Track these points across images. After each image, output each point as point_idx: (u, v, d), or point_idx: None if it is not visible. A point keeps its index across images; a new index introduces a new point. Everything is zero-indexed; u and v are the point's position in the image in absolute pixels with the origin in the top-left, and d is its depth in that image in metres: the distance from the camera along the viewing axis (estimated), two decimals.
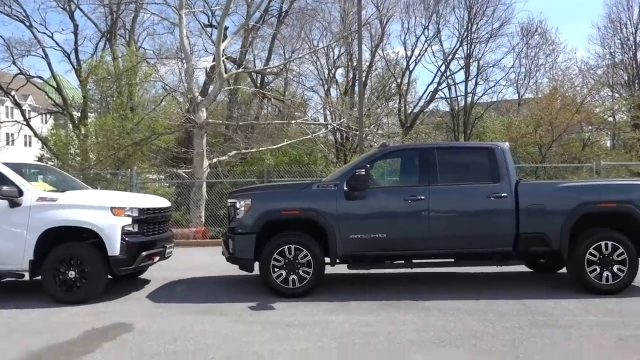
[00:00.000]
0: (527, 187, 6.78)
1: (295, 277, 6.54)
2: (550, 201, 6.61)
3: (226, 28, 23.77)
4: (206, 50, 26.33)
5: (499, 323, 5.32)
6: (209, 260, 9.66)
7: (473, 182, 6.77)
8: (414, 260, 6.94)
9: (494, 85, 28.46)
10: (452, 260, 6.95)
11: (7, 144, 29.34)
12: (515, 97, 29.59)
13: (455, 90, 28.49)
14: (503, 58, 28.67)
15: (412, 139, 33.30)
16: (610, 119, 24.34)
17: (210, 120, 14.34)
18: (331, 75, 27.87)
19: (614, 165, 15.24)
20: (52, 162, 25.15)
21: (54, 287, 6.44)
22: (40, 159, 26.72)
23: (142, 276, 8.30)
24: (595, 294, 6.44)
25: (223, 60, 24.49)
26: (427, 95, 29.89)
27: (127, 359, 4.46)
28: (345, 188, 6.57)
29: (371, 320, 5.51)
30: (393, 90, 30.66)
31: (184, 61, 14.94)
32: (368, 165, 6.56)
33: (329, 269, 6.83)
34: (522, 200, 6.59)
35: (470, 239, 6.63)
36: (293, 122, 15.47)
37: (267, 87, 30.03)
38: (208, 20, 24.72)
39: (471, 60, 26.22)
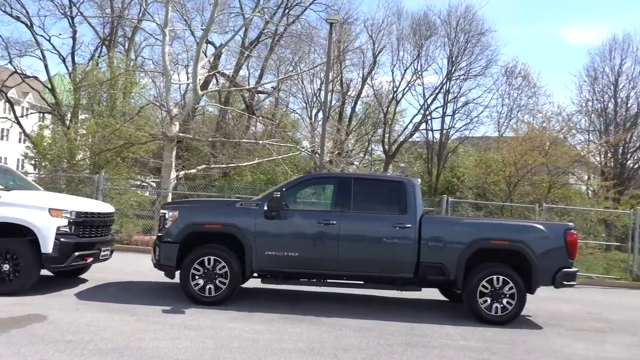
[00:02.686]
0: (430, 221, 7.42)
1: (212, 286, 7.11)
2: (449, 235, 7.24)
3: (221, 45, 24.70)
4: (202, 67, 27.23)
5: (375, 340, 5.87)
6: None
7: (382, 212, 7.39)
8: (326, 280, 7.53)
9: (469, 122, 29.41)
10: (362, 282, 7.53)
11: (1, 139, 29.87)
12: (497, 134, 30.44)
13: (432, 125, 29.45)
14: (480, 97, 29.76)
15: (396, 167, 34.21)
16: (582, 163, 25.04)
17: (180, 134, 15.04)
18: (317, 98, 28.73)
19: (563, 209, 15.87)
20: (35, 160, 25.86)
21: None
22: (25, 155, 27.42)
23: (83, 276, 8.83)
24: (486, 323, 7.02)
25: (215, 76, 25.43)
26: (413, 127, 30.83)
27: (24, 343, 5.00)
28: (265, 208, 7.20)
29: (262, 329, 6.07)
30: (380, 119, 31.56)
31: (163, 75, 15.71)
32: (284, 189, 7.20)
33: (255, 283, 7.39)
34: (424, 232, 7.21)
35: (375, 263, 7.23)
36: (261, 142, 16.18)
37: (257, 106, 30.94)
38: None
39: (449, 97, 27.10)
